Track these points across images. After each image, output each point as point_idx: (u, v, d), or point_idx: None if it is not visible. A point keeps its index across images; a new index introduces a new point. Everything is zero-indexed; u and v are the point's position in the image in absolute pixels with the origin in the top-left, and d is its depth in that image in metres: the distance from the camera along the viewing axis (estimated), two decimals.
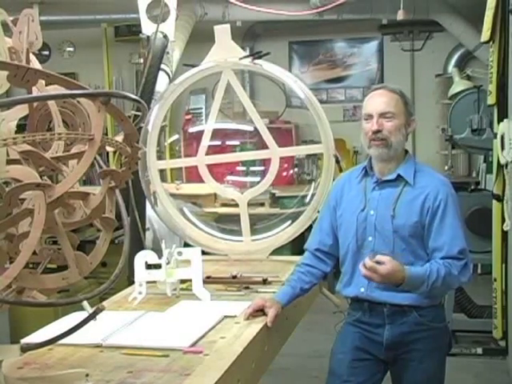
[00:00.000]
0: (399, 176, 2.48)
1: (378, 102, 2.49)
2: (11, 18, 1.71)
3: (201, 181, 3.56)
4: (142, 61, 3.99)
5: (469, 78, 7.07)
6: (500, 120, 4.32)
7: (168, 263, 2.63)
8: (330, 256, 2.64)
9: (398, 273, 2.32)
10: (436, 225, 2.43)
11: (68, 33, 8.82)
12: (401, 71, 8.33)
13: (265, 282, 2.86)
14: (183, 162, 4.39)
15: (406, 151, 2.57)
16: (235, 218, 3.51)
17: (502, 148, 4.10)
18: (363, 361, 2.54)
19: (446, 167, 6.17)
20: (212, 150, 3.56)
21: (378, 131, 2.44)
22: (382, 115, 2.45)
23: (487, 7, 4.47)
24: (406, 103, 2.51)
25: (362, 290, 2.49)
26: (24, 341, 2.09)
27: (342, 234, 2.58)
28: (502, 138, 4.09)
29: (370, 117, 2.47)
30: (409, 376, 2.52)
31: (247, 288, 2.81)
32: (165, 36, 3.74)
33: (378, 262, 2.30)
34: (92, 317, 1.73)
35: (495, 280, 4.75)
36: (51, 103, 1.66)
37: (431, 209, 2.42)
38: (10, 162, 1.58)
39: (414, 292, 2.40)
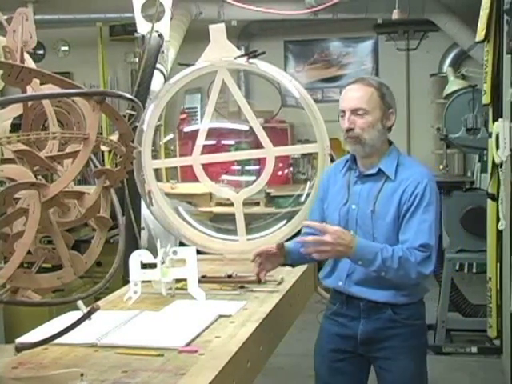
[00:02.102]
0: (380, 170, 2.47)
1: (350, 97, 2.45)
2: (5, 17, 1.71)
3: (196, 180, 3.56)
4: (137, 60, 3.99)
5: (464, 77, 7.08)
6: (495, 119, 4.33)
7: (163, 263, 2.63)
8: None
9: (346, 235, 2.28)
10: (407, 218, 2.40)
11: (63, 32, 8.80)
12: (396, 71, 8.33)
13: (260, 281, 2.85)
14: (178, 162, 4.37)
15: (391, 143, 2.54)
16: (230, 218, 3.51)
17: (497, 147, 4.11)
18: (341, 361, 2.54)
19: (441, 166, 6.17)
20: (207, 150, 3.55)
21: (349, 129, 2.43)
22: (354, 112, 2.42)
23: (482, 7, 4.48)
24: (383, 95, 2.45)
25: (340, 283, 2.49)
26: (18, 340, 2.08)
27: None
28: (497, 137, 4.10)
29: (343, 113, 2.46)
30: (387, 376, 2.51)
31: (242, 287, 2.81)
32: (160, 35, 3.74)
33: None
34: (87, 316, 1.73)
35: (490, 279, 4.76)
36: (46, 102, 1.66)
37: (407, 201, 2.40)
38: (4, 161, 1.58)
39: (367, 268, 2.35)
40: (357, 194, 2.48)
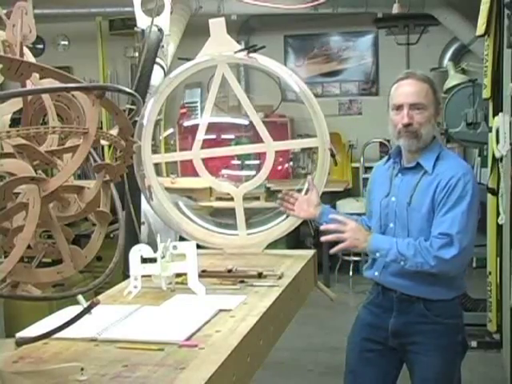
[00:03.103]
0: (419, 164, 2.48)
1: (407, 92, 2.45)
2: (5, 11, 1.71)
3: (196, 175, 3.55)
4: (136, 54, 3.98)
5: (464, 71, 7.08)
6: (495, 114, 4.33)
7: (163, 257, 2.63)
8: None
9: (365, 231, 2.44)
10: (437, 211, 2.44)
11: (62, 26, 8.79)
12: (396, 65, 8.31)
13: (260, 275, 2.85)
14: (178, 156, 4.37)
15: (434, 137, 2.56)
16: (230, 212, 3.51)
17: (497, 142, 4.11)
18: (372, 351, 2.57)
19: None
20: (207, 144, 3.55)
21: (408, 124, 2.43)
22: (413, 107, 2.43)
23: (482, 1, 4.47)
24: (435, 92, 2.49)
25: (376, 273, 2.55)
26: (19, 335, 2.08)
27: (373, 219, 2.65)
28: (497, 131, 4.10)
29: (399, 108, 2.44)
30: (417, 370, 2.53)
31: (242, 282, 2.81)
32: (160, 30, 3.73)
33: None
34: (87, 311, 1.73)
35: (490, 273, 4.76)
36: (45, 97, 1.66)
37: (439, 195, 2.43)
38: (4, 155, 1.58)
39: (385, 257, 2.42)
40: (397, 187, 2.52)
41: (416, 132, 2.43)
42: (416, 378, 2.55)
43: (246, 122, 5.50)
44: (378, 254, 2.42)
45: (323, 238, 2.48)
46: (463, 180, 2.43)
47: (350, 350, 2.68)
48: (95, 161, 1.75)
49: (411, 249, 2.36)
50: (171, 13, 3.90)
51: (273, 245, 3.41)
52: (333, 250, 2.45)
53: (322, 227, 2.56)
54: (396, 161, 2.56)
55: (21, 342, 1.93)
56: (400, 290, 2.51)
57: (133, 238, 3.37)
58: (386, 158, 2.67)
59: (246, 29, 8.54)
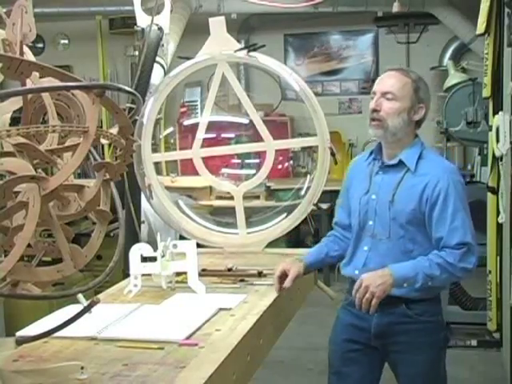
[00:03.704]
0: (401, 161, 2.47)
1: (384, 81, 2.49)
2: (5, 10, 1.71)
3: (196, 174, 3.55)
4: (136, 53, 3.98)
5: (464, 70, 7.07)
6: (495, 112, 4.32)
7: (163, 256, 2.63)
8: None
9: (382, 271, 2.32)
10: (436, 216, 2.40)
11: (62, 25, 8.79)
12: (396, 64, 8.23)
13: (260, 274, 2.86)
14: (178, 155, 4.37)
15: (416, 136, 2.54)
16: (230, 211, 3.51)
17: (497, 141, 4.10)
18: (355, 351, 2.55)
19: None
20: (207, 143, 3.55)
21: (374, 110, 2.43)
22: (384, 95, 2.43)
23: (482, 0, 4.47)
24: (418, 89, 2.47)
25: (356, 272, 2.48)
26: (19, 334, 2.08)
27: (351, 216, 2.61)
28: (497, 130, 4.09)
29: (374, 95, 2.47)
30: (403, 370, 2.51)
31: (242, 281, 2.81)
32: (160, 28, 3.73)
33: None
34: (87, 309, 1.73)
35: (490, 272, 4.76)
36: (45, 96, 1.65)
37: (430, 199, 2.40)
38: (4, 154, 1.58)
39: (414, 286, 2.36)
40: (377, 184, 2.49)
41: (382, 121, 2.42)
42: (402, 378, 2.53)
43: (246, 121, 5.50)
44: (405, 285, 2.37)
45: (358, 308, 2.37)
46: (452, 181, 2.44)
47: (333, 351, 2.65)
48: (95, 160, 1.76)
49: (435, 268, 2.33)
50: (171, 11, 3.90)
51: (273, 244, 3.42)
52: (372, 311, 2.32)
53: (318, 246, 2.55)
54: (377, 158, 2.54)
55: (21, 341, 1.93)
56: None
57: (133, 237, 3.37)
58: (366, 154, 2.63)
59: (246, 27, 8.53)
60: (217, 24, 3.30)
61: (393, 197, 2.43)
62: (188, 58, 3.39)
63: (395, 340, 2.48)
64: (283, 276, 2.48)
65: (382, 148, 2.54)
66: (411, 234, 2.42)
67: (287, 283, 2.44)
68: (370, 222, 2.48)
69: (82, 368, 1.79)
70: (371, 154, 2.58)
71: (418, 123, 2.52)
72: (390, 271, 2.32)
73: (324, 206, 6.34)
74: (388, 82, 2.47)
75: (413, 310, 2.46)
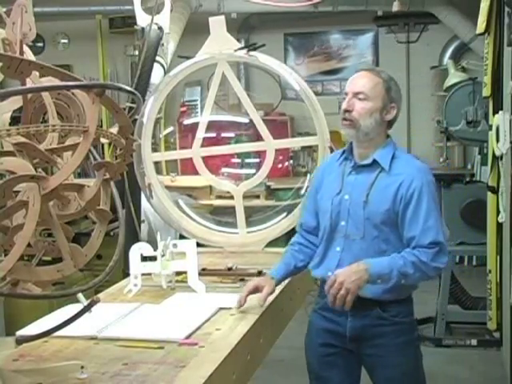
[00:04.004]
0: (375, 161, 2.46)
1: (356, 81, 2.47)
2: (4, 9, 1.71)
3: (196, 173, 3.56)
4: (136, 53, 3.98)
5: (464, 69, 7.06)
6: (495, 112, 4.32)
7: (163, 255, 2.63)
8: (317, 238, 2.61)
9: (356, 265, 2.30)
10: (409, 215, 2.39)
11: (62, 24, 8.78)
12: (396, 63, 8.31)
13: (260, 273, 2.86)
14: (178, 154, 4.38)
15: (388, 136, 2.53)
16: (230, 211, 3.51)
17: (497, 140, 4.10)
18: (332, 355, 2.53)
19: (442, 159, 6.17)
20: (207, 142, 3.55)
21: (346, 110, 2.43)
22: (356, 95, 2.43)
23: None
24: (389, 88, 2.46)
25: (329, 273, 2.43)
26: (19, 333, 2.08)
27: (320, 217, 2.56)
28: (497, 129, 4.09)
29: (346, 95, 2.47)
30: (381, 373, 2.49)
31: (242, 280, 2.81)
32: (160, 28, 3.73)
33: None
34: (87, 309, 1.73)
35: (490, 272, 4.76)
36: (45, 95, 1.66)
37: (404, 198, 2.39)
38: (4, 153, 1.58)
39: (387, 283, 2.34)
40: (350, 184, 2.47)
41: (354, 121, 2.42)
42: (380, 380, 2.52)
43: (246, 121, 5.50)
44: (379, 281, 2.34)
45: (330, 305, 2.32)
46: (426, 181, 2.44)
47: (310, 356, 2.61)
48: (95, 159, 1.76)
49: (409, 266, 2.32)
50: (171, 11, 3.91)
51: (273, 243, 3.42)
52: (347, 308, 2.28)
53: (287, 260, 2.50)
54: (349, 158, 2.53)
55: (21, 341, 1.93)
56: None
57: (133, 237, 3.37)
58: (337, 154, 2.61)
59: (245, 27, 8.53)
60: (217, 23, 3.30)
61: (367, 197, 2.41)
62: (188, 58, 3.39)
63: (371, 343, 2.47)
64: (252, 292, 2.45)
65: (353, 148, 2.53)
66: (385, 234, 2.41)
67: (262, 301, 2.38)
68: (343, 223, 2.45)
69: (82, 367, 1.79)
70: (342, 154, 2.56)
71: (390, 123, 2.51)
72: (366, 266, 2.30)
73: None
74: (359, 82, 2.46)
75: (387, 311, 2.45)
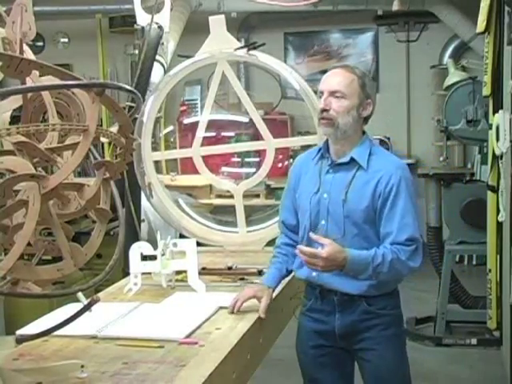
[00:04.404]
0: (353, 159, 2.45)
1: (330, 80, 2.46)
2: (4, 8, 1.71)
3: (196, 172, 3.56)
4: (136, 52, 3.98)
5: (464, 69, 7.05)
6: (495, 111, 4.32)
7: (163, 255, 2.63)
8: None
9: (339, 254, 2.28)
10: (386, 211, 2.39)
11: (62, 24, 8.77)
12: (396, 62, 8.31)
13: (260, 273, 2.86)
14: (178, 154, 4.38)
15: (364, 133, 2.52)
16: (230, 210, 3.51)
17: (497, 139, 4.10)
18: (324, 356, 2.53)
19: (441, 158, 6.16)
20: (207, 142, 3.56)
21: (324, 110, 2.42)
22: (332, 94, 2.42)
23: None
24: (364, 85, 2.45)
25: (314, 274, 2.45)
26: (19, 332, 2.09)
27: (299, 216, 2.56)
28: (497, 129, 4.09)
29: (321, 94, 2.45)
30: (368, 365, 2.50)
31: (242, 279, 2.82)
32: (160, 27, 3.73)
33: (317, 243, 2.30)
34: (87, 308, 1.73)
35: (490, 271, 4.76)
36: (45, 94, 1.66)
37: (382, 194, 2.38)
38: (4, 153, 1.58)
39: (358, 277, 2.35)
40: (328, 183, 2.46)
41: (332, 120, 2.41)
42: (368, 374, 2.52)
43: (246, 120, 5.49)
44: (351, 273, 2.35)
45: (297, 251, 2.32)
46: (404, 177, 2.43)
47: (303, 359, 2.61)
48: (95, 158, 1.76)
49: (386, 265, 2.31)
50: (171, 10, 3.90)
51: (273, 242, 3.41)
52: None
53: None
54: (325, 156, 2.51)
55: (21, 340, 1.94)
56: (341, 290, 2.44)
57: (133, 236, 3.37)
58: (313, 152, 2.59)
59: (245, 26, 8.52)
60: (217, 22, 3.30)
61: (346, 195, 2.41)
62: (188, 57, 3.39)
63: (360, 337, 2.47)
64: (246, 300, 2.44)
65: (329, 146, 2.51)
66: (365, 232, 2.40)
67: (263, 314, 2.37)
68: (323, 222, 2.44)
69: (82, 366, 1.79)
70: (318, 152, 2.55)
71: (366, 119, 2.50)
72: (346, 259, 2.29)
73: None
74: (334, 79, 2.45)
75: (373, 305, 2.45)
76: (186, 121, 7.41)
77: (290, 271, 2.59)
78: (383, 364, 2.49)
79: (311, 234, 2.35)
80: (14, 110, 1.78)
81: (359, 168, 2.44)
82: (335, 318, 2.47)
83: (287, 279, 2.63)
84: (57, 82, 1.50)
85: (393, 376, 2.53)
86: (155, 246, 2.65)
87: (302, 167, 2.60)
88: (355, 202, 2.40)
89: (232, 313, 2.37)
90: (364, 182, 2.42)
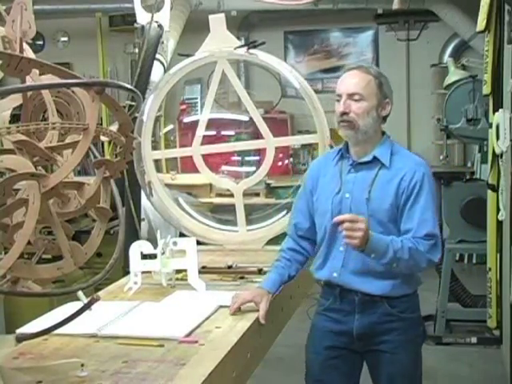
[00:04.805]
0: (375, 158, 2.45)
1: (348, 82, 2.44)
2: (4, 7, 1.71)
3: (196, 171, 3.55)
4: (136, 51, 3.98)
5: (464, 67, 7.05)
6: (495, 110, 4.32)
7: (163, 253, 2.63)
8: (309, 240, 2.60)
9: (367, 231, 2.27)
10: (408, 207, 2.39)
11: (62, 23, 8.77)
12: (396, 61, 8.31)
13: (260, 271, 2.86)
14: (178, 152, 4.38)
15: (383, 133, 2.53)
16: (230, 208, 3.51)
17: (497, 138, 4.10)
18: (335, 358, 2.51)
19: (441, 157, 6.16)
20: (207, 140, 3.55)
21: (344, 113, 2.42)
22: (351, 96, 2.41)
23: None
24: (381, 84, 2.44)
25: (335, 274, 2.44)
26: (19, 331, 2.08)
27: (317, 218, 2.54)
28: (497, 127, 4.09)
29: (339, 97, 2.44)
30: (383, 368, 2.48)
31: (242, 278, 2.81)
32: (159, 26, 3.72)
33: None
34: (87, 307, 1.73)
35: (490, 270, 4.76)
36: (45, 93, 1.65)
37: (406, 190, 2.39)
38: (4, 151, 1.58)
39: (380, 261, 2.33)
40: (350, 183, 2.45)
41: (352, 122, 2.41)
42: (382, 376, 2.51)
43: (246, 119, 5.49)
44: (372, 255, 2.32)
45: (335, 219, 2.26)
46: (427, 176, 2.44)
47: (312, 359, 2.57)
48: (95, 157, 1.76)
49: (406, 251, 2.31)
50: (171, 9, 3.90)
51: (273, 241, 3.41)
52: (346, 241, 2.28)
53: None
54: (346, 156, 2.51)
55: (21, 338, 1.94)
56: (362, 291, 2.43)
57: (133, 235, 3.37)
58: (332, 154, 2.58)
59: (245, 25, 8.52)
60: (217, 21, 3.30)
61: (369, 194, 2.40)
62: (188, 56, 3.39)
63: (377, 340, 2.46)
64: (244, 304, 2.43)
65: (349, 147, 2.51)
66: (389, 230, 2.39)
67: (263, 320, 2.34)
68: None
69: (82, 365, 1.79)
70: (337, 153, 2.54)
71: (384, 118, 2.50)
72: (369, 238, 2.27)
73: None
74: (351, 82, 2.43)
75: (395, 307, 2.44)
76: (186, 120, 7.40)
77: (292, 277, 2.58)
78: (398, 367, 2.48)
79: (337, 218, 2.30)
80: (14, 109, 1.78)
81: (381, 167, 2.44)
82: (354, 319, 2.46)
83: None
84: (57, 80, 1.50)
85: (406, 379, 2.52)
86: (155, 245, 2.65)
87: (319, 170, 2.59)
88: (379, 201, 2.39)
89: (233, 314, 2.36)
90: (387, 179, 2.42)
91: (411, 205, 2.39)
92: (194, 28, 5.15)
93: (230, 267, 2.93)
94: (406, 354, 2.49)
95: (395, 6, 6.60)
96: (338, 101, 2.44)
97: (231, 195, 3.48)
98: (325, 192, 2.52)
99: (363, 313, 2.44)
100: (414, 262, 2.35)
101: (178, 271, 2.71)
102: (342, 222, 2.26)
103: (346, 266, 2.43)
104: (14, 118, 1.76)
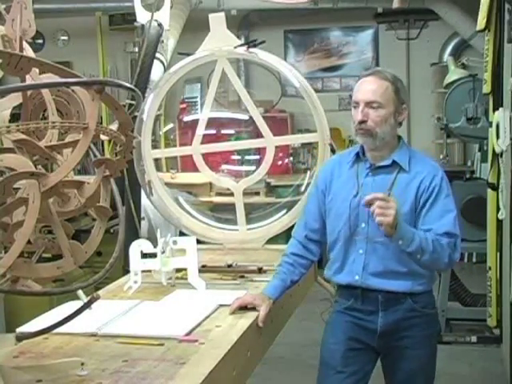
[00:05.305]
0: (394, 162, 2.45)
1: (365, 89, 2.43)
2: (4, 6, 1.71)
3: (196, 170, 3.55)
4: (136, 50, 3.98)
5: (464, 66, 7.06)
6: (495, 109, 4.32)
7: (163, 252, 2.63)
8: (316, 243, 2.59)
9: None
10: (426, 209, 2.40)
11: (62, 21, 8.77)
12: (396, 60, 8.31)
13: (260, 270, 2.86)
14: (178, 151, 4.38)
15: (399, 137, 2.53)
16: (230, 207, 3.51)
17: (498, 137, 4.10)
18: (356, 350, 2.52)
19: (442, 156, 6.17)
20: (207, 139, 3.55)
21: (362, 121, 2.41)
22: (368, 104, 2.40)
23: None
24: (398, 90, 2.44)
25: (357, 277, 2.45)
26: (19, 330, 2.08)
27: (331, 220, 2.52)
28: (497, 126, 4.09)
29: (357, 104, 2.44)
30: (403, 364, 2.50)
31: (242, 277, 2.81)
32: (159, 25, 3.73)
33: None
34: (87, 306, 1.73)
35: (490, 269, 4.76)
36: (45, 92, 1.65)
37: (425, 192, 2.40)
38: (3, 150, 1.58)
39: (407, 249, 2.32)
40: (369, 186, 2.44)
41: (370, 130, 2.40)
42: (401, 372, 2.52)
43: (246, 117, 5.48)
44: (400, 242, 2.31)
45: (367, 198, 2.25)
46: (445, 179, 2.46)
47: (334, 350, 2.53)
48: (95, 156, 1.76)
49: (430, 243, 2.32)
50: (171, 8, 3.90)
51: (273, 240, 3.42)
52: (378, 220, 2.23)
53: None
54: (362, 159, 2.50)
55: (21, 337, 1.94)
56: (385, 289, 2.44)
57: (133, 234, 3.37)
58: (345, 156, 2.57)
59: (245, 24, 8.52)
60: (217, 20, 3.30)
61: (388, 196, 2.41)
62: (188, 54, 3.39)
63: (399, 336, 2.48)
64: (243, 307, 2.41)
65: (365, 150, 2.51)
66: None
67: (262, 323, 2.33)
68: (363, 225, 2.43)
69: (83, 364, 1.79)
70: (354, 155, 2.53)
71: (400, 123, 2.50)
72: (398, 223, 2.26)
73: None
74: (369, 89, 2.42)
75: (418, 303, 2.47)
76: (186, 119, 7.40)
77: (295, 282, 2.58)
78: (418, 363, 2.51)
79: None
80: (14, 108, 1.78)
81: (400, 170, 2.44)
82: (378, 317, 2.47)
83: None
84: (57, 79, 1.50)
85: (424, 374, 2.56)
86: (155, 244, 2.65)
87: (333, 171, 2.57)
88: (399, 204, 2.39)
89: (233, 313, 2.36)
90: (406, 183, 2.43)
91: (430, 206, 2.40)
92: (194, 27, 5.15)
93: (230, 266, 2.93)
94: (425, 349, 2.52)
95: (395, 4, 6.60)
96: (355, 107, 2.43)
97: (231, 194, 3.48)
98: (340, 194, 2.50)
99: (387, 310, 2.45)
100: (438, 255, 2.36)
101: (178, 270, 2.71)
102: (371, 203, 2.25)
103: (366, 270, 2.44)
104: (14, 116, 1.76)
